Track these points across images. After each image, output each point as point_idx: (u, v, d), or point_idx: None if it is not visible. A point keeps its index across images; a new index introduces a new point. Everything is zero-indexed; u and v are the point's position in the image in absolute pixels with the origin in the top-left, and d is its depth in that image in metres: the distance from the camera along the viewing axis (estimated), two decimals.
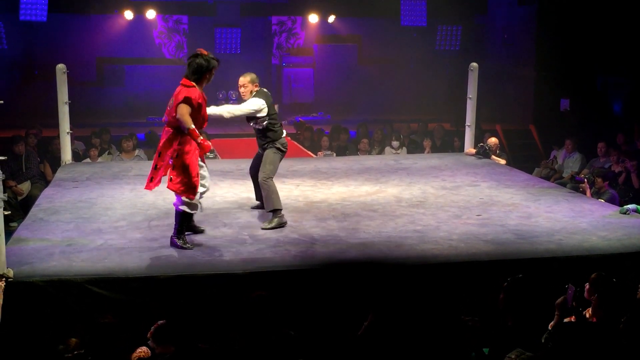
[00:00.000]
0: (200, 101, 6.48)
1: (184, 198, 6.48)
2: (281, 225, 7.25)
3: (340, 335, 5.77)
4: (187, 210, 6.54)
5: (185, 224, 6.67)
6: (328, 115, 17.83)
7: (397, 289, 6.09)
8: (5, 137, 12.02)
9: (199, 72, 6.48)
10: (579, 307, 5.10)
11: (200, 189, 6.55)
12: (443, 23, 18.41)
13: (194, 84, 6.47)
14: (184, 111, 6.34)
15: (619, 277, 5.49)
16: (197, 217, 7.03)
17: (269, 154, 7.35)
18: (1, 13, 16.42)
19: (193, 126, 6.36)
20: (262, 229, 7.20)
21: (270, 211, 7.31)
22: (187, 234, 6.74)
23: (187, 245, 6.57)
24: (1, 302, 5.35)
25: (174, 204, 6.59)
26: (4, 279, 5.53)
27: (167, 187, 6.51)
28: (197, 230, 7.01)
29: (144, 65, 18.07)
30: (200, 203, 6.64)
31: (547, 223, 7.47)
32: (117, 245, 6.60)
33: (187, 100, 6.35)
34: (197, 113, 6.47)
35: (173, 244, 6.58)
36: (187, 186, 6.44)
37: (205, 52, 6.57)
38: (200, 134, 6.49)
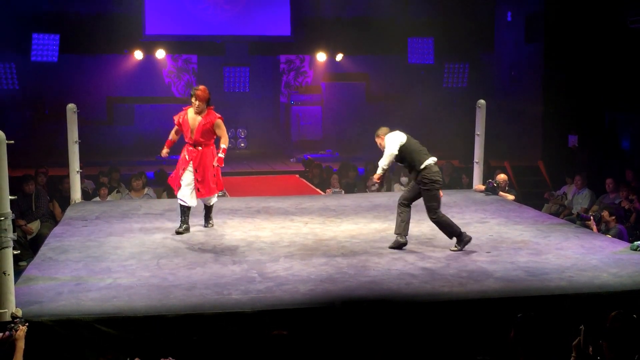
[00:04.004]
0: (179, 119, 8.58)
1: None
2: (467, 243, 7.79)
3: None
4: None
5: None
6: (336, 152, 17.90)
7: (407, 328, 6.06)
8: (16, 176, 12.10)
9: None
10: (589, 346, 5.04)
11: None
12: (450, 60, 18.54)
13: (189, 107, 8.59)
14: None
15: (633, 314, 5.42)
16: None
17: (425, 194, 7.90)
18: (13, 54, 16.66)
19: (169, 137, 8.80)
20: (452, 250, 7.78)
21: (455, 237, 7.84)
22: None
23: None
24: (22, 347, 5.27)
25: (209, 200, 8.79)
26: (26, 323, 5.47)
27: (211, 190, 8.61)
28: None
29: (154, 104, 18.23)
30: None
31: (557, 260, 7.42)
32: (126, 284, 6.59)
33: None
34: (180, 127, 8.62)
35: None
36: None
37: (198, 87, 8.54)
38: (192, 145, 8.54)
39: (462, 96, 17.84)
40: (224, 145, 8.41)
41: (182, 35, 17.77)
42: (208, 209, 8.95)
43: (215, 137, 8.59)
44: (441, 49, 18.01)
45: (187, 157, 8.50)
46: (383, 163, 7.98)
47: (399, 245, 7.94)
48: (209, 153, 8.51)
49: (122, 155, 16.75)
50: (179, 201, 8.63)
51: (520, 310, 5.26)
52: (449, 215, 9.48)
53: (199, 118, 8.43)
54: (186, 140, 8.57)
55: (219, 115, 8.52)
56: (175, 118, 8.63)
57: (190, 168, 8.47)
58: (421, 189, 7.90)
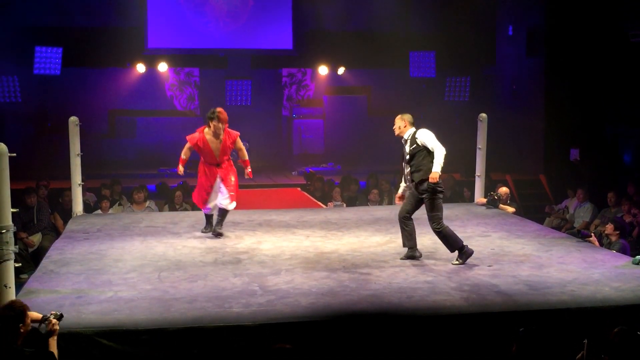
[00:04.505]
0: (198, 143, 8.83)
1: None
2: (469, 256, 7.78)
3: None
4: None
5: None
6: (338, 165, 17.90)
7: (408, 341, 6.05)
8: (18, 188, 12.10)
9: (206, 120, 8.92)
10: None
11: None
12: (452, 74, 18.57)
13: (205, 129, 8.86)
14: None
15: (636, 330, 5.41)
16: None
17: (428, 203, 7.80)
18: (16, 67, 16.70)
19: (182, 157, 9.07)
20: (453, 264, 7.72)
21: (456, 250, 7.81)
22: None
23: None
24: (54, 341, 5.36)
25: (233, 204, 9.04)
26: (57, 319, 5.48)
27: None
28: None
29: (156, 117, 18.27)
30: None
31: (559, 274, 7.41)
32: (127, 297, 6.59)
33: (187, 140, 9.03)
34: (201, 150, 8.89)
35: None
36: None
37: (217, 109, 8.80)
38: (216, 165, 8.93)
39: (464, 110, 17.86)
40: (246, 157, 9.13)
41: (185, 48, 17.83)
42: (225, 214, 9.14)
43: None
44: (443, 63, 18.05)
45: (211, 176, 8.94)
46: (440, 161, 7.74)
47: (412, 257, 7.97)
48: (229, 164, 9.03)
49: (124, 168, 16.77)
50: (205, 212, 9.24)
51: (522, 325, 5.25)
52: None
53: (219, 139, 8.81)
54: (208, 161, 8.94)
55: (237, 132, 9.00)
56: (192, 140, 8.90)
57: (218, 187, 8.93)
58: (425, 198, 7.85)
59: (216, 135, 8.80)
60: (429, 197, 7.81)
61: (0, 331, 5.09)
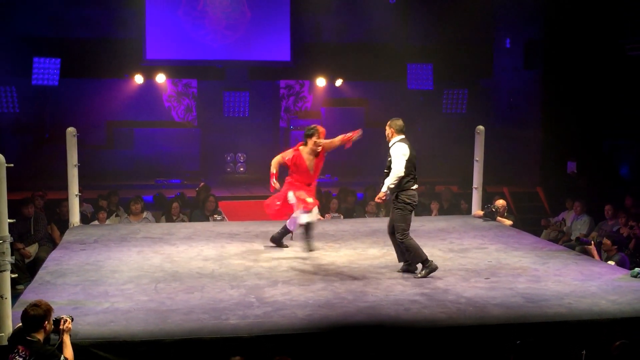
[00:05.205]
0: (295, 161, 8.54)
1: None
2: (432, 271, 7.75)
3: None
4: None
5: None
6: (335, 177, 17.89)
7: (405, 354, 6.04)
8: (15, 199, 12.07)
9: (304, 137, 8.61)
10: None
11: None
12: (449, 87, 18.59)
13: (301, 147, 8.60)
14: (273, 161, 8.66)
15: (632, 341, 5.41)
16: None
17: (395, 214, 7.87)
18: (14, 77, 16.70)
19: (273, 171, 8.55)
20: (416, 277, 7.72)
21: (420, 263, 7.83)
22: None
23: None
24: (69, 340, 5.59)
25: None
26: (70, 318, 5.69)
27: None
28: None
29: (154, 129, 18.23)
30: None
31: (556, 286, 7.41)
32: (124, 309, 6.58)
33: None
34: (296, 168, 8.60)
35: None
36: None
37: (315, 126, 8.64)
38: (307, 184, 8.66)
39: (461, 122, 17.85)
40: (339, 138, 8.65)
41: (183, 60, 17.84)
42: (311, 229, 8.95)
43: None
44: (440, 75, 18.08)
45: (305, 196, 8.57)
46: (389, 182, 7.72)
47: (409, 271, 7.95)
48: (314, 185, 8.89)
49: (121, 179, 16.72)
50: (305, 221, 8.69)
51: (519, 337, 5.25)
52: (447, 241, 9.51)
53: (317, 155, 8.61)
54: (300, 180, 8.66)
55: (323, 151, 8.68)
56: (285, 156, 8.64)
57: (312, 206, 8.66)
58: (393, 208, 7.88)
59: (314, 152, 8.58)
60: (397, 206, 7.83)
61: (28, 327, 5.46)
